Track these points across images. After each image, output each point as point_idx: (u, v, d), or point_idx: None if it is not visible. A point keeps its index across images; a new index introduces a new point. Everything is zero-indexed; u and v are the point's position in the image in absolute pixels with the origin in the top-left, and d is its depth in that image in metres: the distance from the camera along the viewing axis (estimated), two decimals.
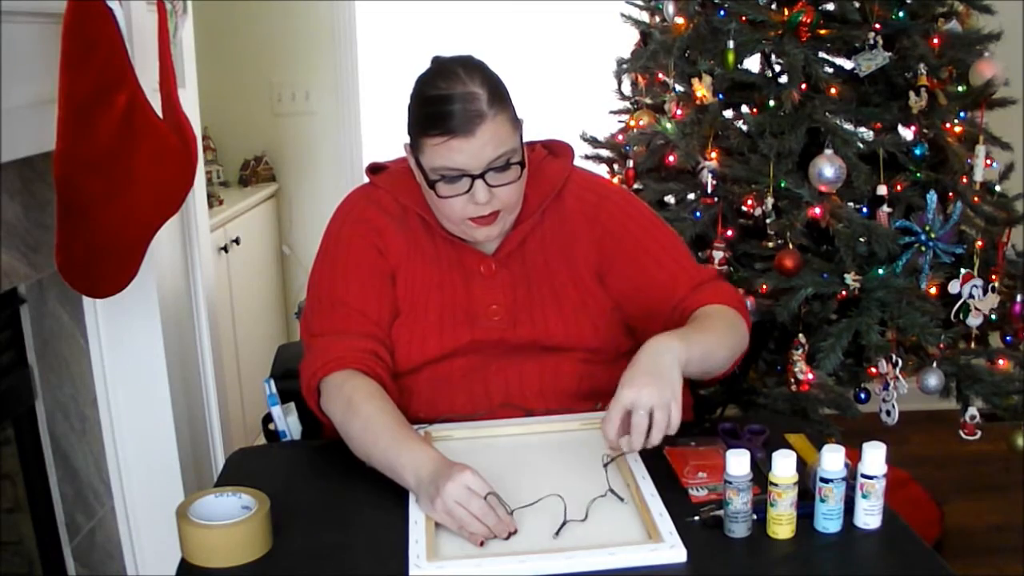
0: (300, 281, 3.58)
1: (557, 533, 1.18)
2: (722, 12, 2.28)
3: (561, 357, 1.53)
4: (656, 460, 1.36)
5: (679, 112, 2.36)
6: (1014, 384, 2.24)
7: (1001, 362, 2.29)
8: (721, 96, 2.31)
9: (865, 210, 2.24)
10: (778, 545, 1.18)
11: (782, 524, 1.18)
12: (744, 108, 2.40)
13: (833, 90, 2.20)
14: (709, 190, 2.26)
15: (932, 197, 2.13)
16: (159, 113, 1.61)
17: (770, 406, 2.22)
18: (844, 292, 2.15)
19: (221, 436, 2.32)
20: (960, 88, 2.27)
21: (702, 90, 2.28)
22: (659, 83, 2.57)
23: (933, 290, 2.19)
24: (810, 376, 2.18)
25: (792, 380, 2.19)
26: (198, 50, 2.26)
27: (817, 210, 2.14)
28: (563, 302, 1.54)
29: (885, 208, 2.17)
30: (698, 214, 2.30)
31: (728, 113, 2.39)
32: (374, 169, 1.62)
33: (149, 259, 1.73)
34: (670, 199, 2.47)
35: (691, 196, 2.37)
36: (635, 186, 2.54)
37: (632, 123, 2.61)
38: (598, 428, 1.28)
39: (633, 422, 1.24)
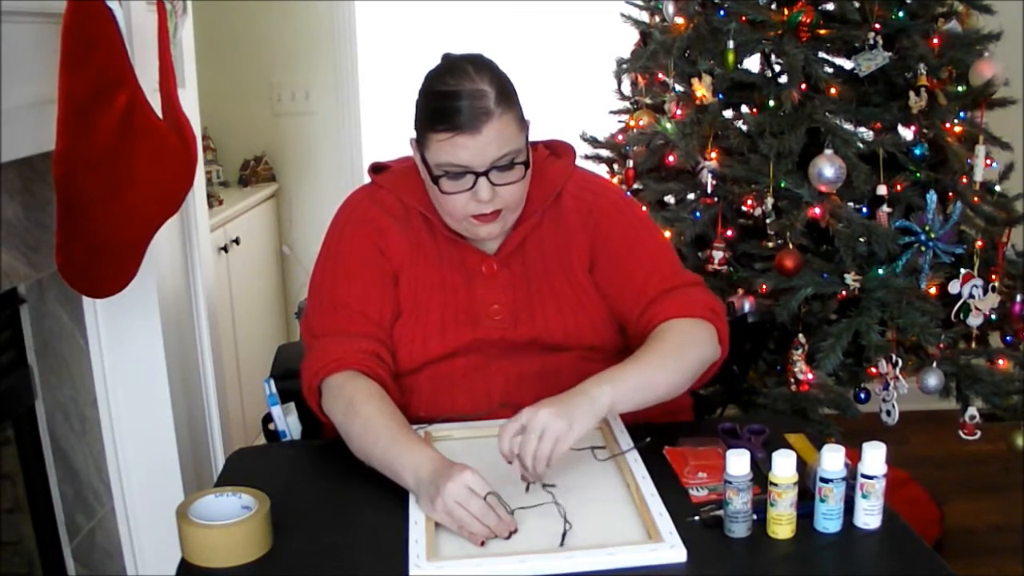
0: (300, 281, 3.58)
1: (562, 543, 1.18)
2: (722, 12, 2.29)
3: (561, 356, 1.53)
4: (656, 460, 1.36)
5: (679, 112, 2.36)
6: (1014, 384, 2.24)
7: (1001, 362, 2.29)
8: (721, 96, 2.31)
9: (865, 210, 2.25)
10: (778, 545, 1.18)
11: (782, 524, 1.18)
12: (744, 108, 2.40)
13: (833, 90, 2.20)
14: (709, 190, 2.26)
15: (932, 197, 2.13)
16: (159, 113, 1.60)
17: (770, 406, 2.22)
18: (844, 292, 2.15)
19: (221, 436, 2.31)
20: (960, 88, 2.27)
21: (702, 90, 2.28)
22: (659, 83, 2.57)
23: (933, 290, 2.20)
24: (810, 376, 2.18)
25: (792, 380, 2.19)
26: (198, 50, 2.26)
27: (817, 210, 2.14)
28: (562, 301, 1.54)
29: (885, 208, 2.17)
30: (698, 214, 2.30)
31: (728, 113, 2.39)
32: (376, 169, 1.62)
33: (149, 259, 1.73)
34: (670, 199, 2.47)
35: (691, 196, 2.38)
36: (635, 186, 2.55)
37: (632, 123, 2.61)
38: (597, 428, 1.28)
39: (522, 439, 1.24)
